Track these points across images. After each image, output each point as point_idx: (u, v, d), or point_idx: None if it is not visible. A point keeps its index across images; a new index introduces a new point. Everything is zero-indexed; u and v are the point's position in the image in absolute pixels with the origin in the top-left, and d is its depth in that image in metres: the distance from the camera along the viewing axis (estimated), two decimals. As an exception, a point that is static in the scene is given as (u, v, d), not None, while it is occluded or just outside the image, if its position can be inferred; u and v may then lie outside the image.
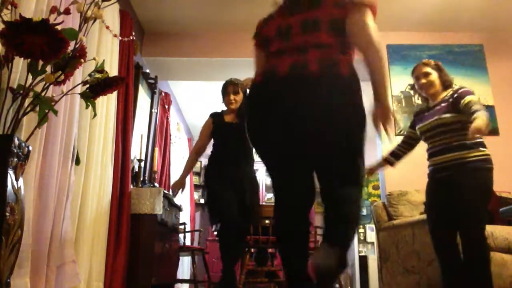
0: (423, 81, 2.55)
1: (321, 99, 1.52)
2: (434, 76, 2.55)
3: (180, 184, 3.16)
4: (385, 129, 1.61)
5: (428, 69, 2.57)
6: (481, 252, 2.22)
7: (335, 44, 1.60)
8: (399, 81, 4.08)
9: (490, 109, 3.93)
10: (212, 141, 3.19)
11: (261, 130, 1.64)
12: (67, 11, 1.52)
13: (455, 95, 2.41)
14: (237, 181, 2.92)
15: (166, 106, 4.88)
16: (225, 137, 3.04)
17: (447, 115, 2.40)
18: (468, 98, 2.32)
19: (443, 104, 2.46)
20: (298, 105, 1.53)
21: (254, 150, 1.79)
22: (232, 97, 3.05)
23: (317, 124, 1.53)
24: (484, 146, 2.43)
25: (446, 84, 2.56)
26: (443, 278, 2.36)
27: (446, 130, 2.41)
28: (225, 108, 3.18)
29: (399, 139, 2.81)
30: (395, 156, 2.74)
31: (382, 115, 1.60)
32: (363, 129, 1.58)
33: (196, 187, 7.00)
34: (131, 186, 3.26)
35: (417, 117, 2.65)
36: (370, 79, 1.61)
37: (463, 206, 2.28)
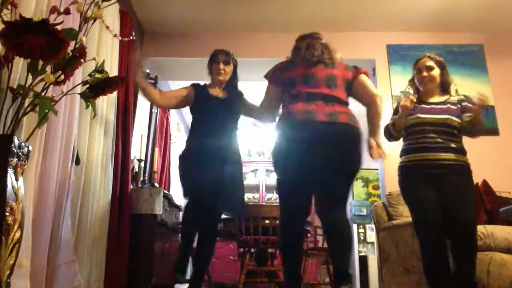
0: (425, 74, 2.50)
1: (341, 144, 2.06)
2: (437, 72, 2.51)
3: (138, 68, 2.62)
4: (378, 157, 2.17)
5: (432, 64, 2.51)
6: (474, 258, 2.24)
7: (346, 99, 2.21)
8: (398, 81, 4.08)
9: (490, 109, 3.93)
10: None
11: (290, 158, 2.09)
12: (67, 11, 1.52)
13: (463, 103, 2.45)
14: (218, 161, 2.53)
15: (166, 106, 4.88)
16: (212, 111, 2.64)
17: (457, 119, 2.41)
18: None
19: (452, 107, 2.44)
20: (330, 146, 2.05)
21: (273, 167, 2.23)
22: (222, 66, 2.71)
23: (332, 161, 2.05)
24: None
25: (445, 86, 2.53)
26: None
27: (448, 131, 2.39)
28: (208, 82, 2.81)
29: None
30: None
31: (376, 147, 2.17)
32: (358, 168, 2.13)
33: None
34: (131, 186, 3.26)
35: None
36: (368, 120, 2.24)
37: (466, 206, 2.28)
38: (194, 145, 2.65)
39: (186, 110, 6.72)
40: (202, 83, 2.82)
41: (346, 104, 2.20)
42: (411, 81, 2.68)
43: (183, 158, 2.69)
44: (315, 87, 2.15)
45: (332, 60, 2.25)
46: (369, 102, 2.23)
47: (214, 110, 2.65)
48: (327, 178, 2.06)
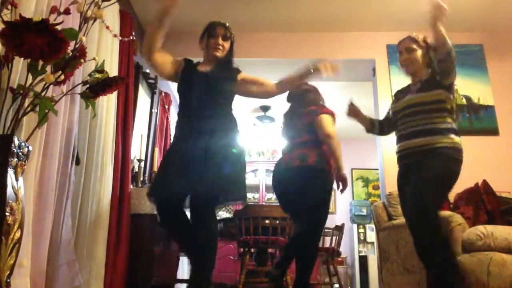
0: (405, 56, 2.32)
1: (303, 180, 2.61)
2: (419, 53, 2.29)
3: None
4: (342, 186, 2.64)
5: (414, 45, 2.30)
6: (432, 236, 2.06)
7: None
8: (398, 81, 4.07)
9: (490, 109, 3.93)
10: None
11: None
12: (67, 11, 1.52)
13: (430, 52, 2.25)
14: (198, 151, 2.18)
15: (166, 106, 4.88)
16: (195, 88, 2.32)
17: (422, 93, 2.20)
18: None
19: (419, 84, 2.26)
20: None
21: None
22: (220, 41, 2.38)
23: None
24: (456, 134, 2.21)
25: (432, 65, 2.30)
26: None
27: (418, 111, 2.20)
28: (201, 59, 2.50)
29: None
30: (373, 122, 2.60)
31: (340, 178, 2.62)
32: (323, 197, 2.65)
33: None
34: (131, 186, 3.26)
35: (394, 98, 2.48)
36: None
37: (419, 184, 2.12)
38: (176, 133, 2.38)
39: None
40: (196, 60, 2.52)
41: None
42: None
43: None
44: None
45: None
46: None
47: (198, 87, 2.31)
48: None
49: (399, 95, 2.42)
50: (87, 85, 1.79)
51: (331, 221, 6.45)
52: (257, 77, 2.52)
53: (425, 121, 2.19)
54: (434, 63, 2.27)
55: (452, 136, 2.17)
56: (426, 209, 2.08)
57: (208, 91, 2.30)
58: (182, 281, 4.22)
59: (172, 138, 2.49)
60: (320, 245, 3.88)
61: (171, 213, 2.24)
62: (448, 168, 2.14)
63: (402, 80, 4.16)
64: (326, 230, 3.84)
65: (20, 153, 1.41)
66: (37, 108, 1.52)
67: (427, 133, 2.18)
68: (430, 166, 2.13)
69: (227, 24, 2.43)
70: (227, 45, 2.43)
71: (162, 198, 2.24)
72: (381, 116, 2.58)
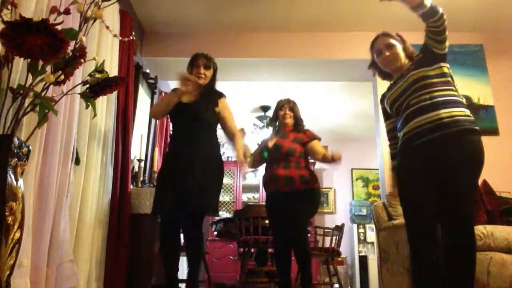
0: (387, 53, 2.19)
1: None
2: (399, 48, 2.20)
3: None
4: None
5: (392, 41, 2.21)
6: (469, 256, 1.78)
7: None
8: (399, 81, 4.08)
9: (490, 109, 3.93)
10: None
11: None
12: (67, 11, 1.52)
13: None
14: (185, 162, 2.49)
15: (166, 106, 4.88)
16: (179, 118, 2.66)
17: (422, 69, 2.04)
18: None
19: (411, 66, 2.12)
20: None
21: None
22: (202, 70, 2.65)
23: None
24: (465, 107, 1.95)
25: (412, 56, 2.20)
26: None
27: (424, 85, 2.00)
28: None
29: None
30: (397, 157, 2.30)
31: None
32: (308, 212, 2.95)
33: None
34: (131, 186, 3.26)
35: (383, 99, 2.30)
36: None
37: (450, 186, 1.83)
38: (165, 157, 2.74)
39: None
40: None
41: None
42: (372, 65, 2.35)
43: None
44: None
45: None
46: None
47: (181, 117, 2.64)
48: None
49: (387, 93, 2.25)
50: (87, 85, 1.79)
51: (331, 221, 6.45)
52: (228, 116, 2.73)
53: (436, 94, 1.94)
54: (415, 53, 2.16)
55: (462, 108, 1.95)
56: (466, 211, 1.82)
57: (190, 119, 2.60)
58: (182, 281, 4.22)
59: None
60: (320, 245, 3.87)
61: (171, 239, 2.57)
62: (474, 150, 1.87)
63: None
64: (326, 230, 3.84)
65: (20, 153, 1.41)
66: (37, 108, 1.52)
67: (440, 106, 1.92)
68: (460, 155, 1.85)
69: (209, 55, 2.73)
70: (209, 73, 2.70)
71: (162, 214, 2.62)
72: (381, 116, 2.53)
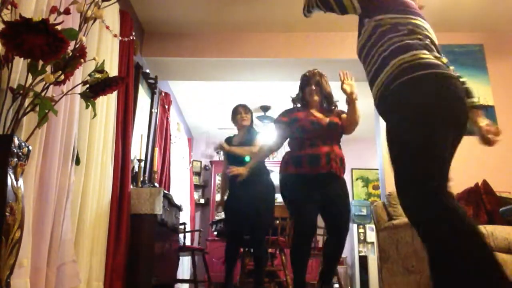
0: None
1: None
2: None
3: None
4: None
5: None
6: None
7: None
8: (399, 81, 4.07)
9: (490, 109, 3.93)
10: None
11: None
12: (67, 11, 1.52)
13: None
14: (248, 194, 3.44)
15: (166, 106, 4.88)
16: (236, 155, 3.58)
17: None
18: None
19: None
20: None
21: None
22: (243, 114, 3.70)
23: None
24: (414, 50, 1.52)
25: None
26: None
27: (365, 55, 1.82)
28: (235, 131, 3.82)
29: None
30: None
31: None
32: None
33: (196, 187, 6.99)
34: (131, 186, 3.26)
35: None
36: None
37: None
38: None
39: (186, 110, 6.68)
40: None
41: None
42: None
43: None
44: None
45: None
46: None
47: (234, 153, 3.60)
48: None
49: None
50: (87, 85, 1.79)
51: (331, 221, 6.44)
52: (256, 148, 3.46)
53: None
54: None
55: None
56: None
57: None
58: (182, 281, 4.22)
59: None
60: (320, 245, 3.88)
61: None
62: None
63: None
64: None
65: (20, 153, 1.41)
66: (37, 108, 1.52)
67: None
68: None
69: (246, 105, 3.78)
70: (249, 116, 3.73)
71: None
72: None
